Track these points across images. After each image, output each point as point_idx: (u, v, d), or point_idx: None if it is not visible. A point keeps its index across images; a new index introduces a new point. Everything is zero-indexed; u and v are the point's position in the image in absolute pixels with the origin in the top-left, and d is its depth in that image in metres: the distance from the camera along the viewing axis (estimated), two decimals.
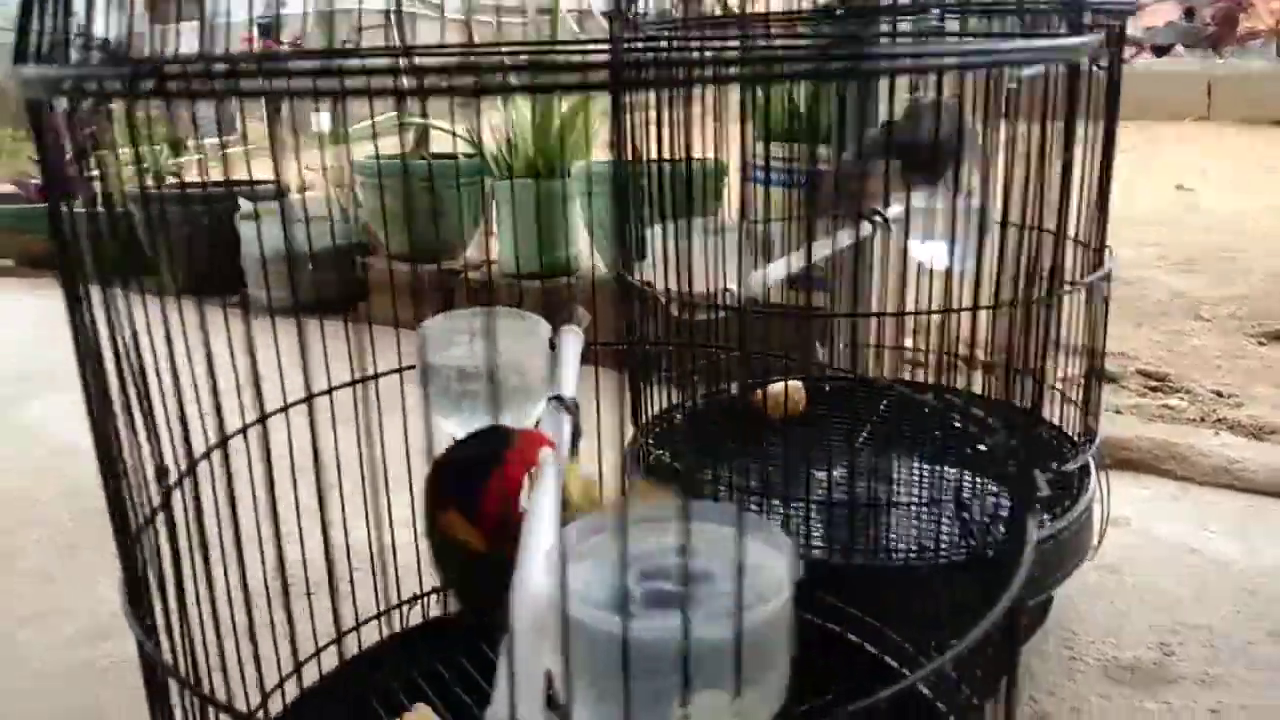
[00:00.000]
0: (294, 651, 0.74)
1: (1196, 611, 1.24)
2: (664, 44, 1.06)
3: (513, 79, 0.34)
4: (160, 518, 0.60)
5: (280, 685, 0.76)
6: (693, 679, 0.38)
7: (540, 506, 0.50)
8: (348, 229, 2.63)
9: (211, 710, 0.49)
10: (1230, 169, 4.38)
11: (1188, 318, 2.45)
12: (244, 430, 0.72)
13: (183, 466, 0.64)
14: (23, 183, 3.51)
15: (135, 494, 0.58)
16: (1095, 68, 1.12)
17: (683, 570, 0.39)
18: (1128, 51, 1.18)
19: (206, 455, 0.67)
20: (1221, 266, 2.85)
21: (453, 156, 2.59)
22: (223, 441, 0.69)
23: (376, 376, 0.81)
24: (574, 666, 0.40)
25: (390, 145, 2.46)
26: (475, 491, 0.53)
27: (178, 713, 0.54)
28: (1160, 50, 7.47)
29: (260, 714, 0.71)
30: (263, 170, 0.69)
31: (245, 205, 2.75)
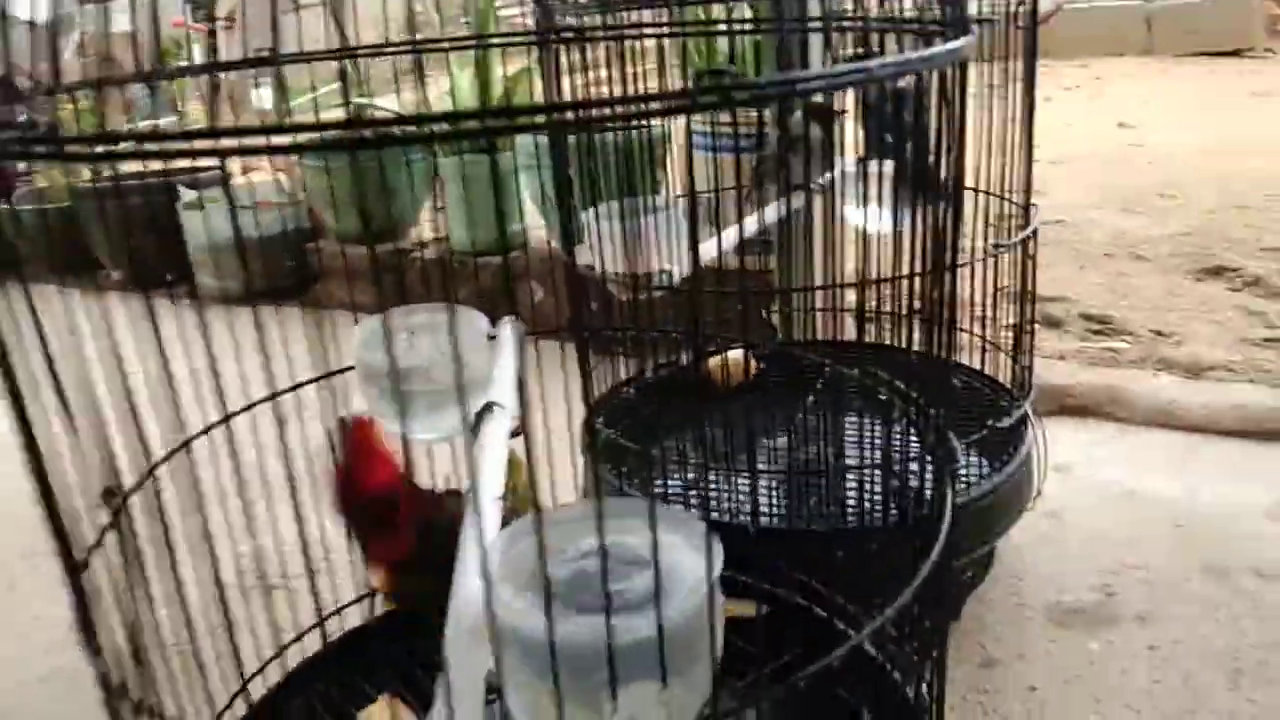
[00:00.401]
0: (242, 660, 0.76)
1: (1135, 551, 1.29)
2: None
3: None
4: (108, 538, 0.61)
5: (241, 690, 0.78)
6: (620, 674, 0.40)
7: (476, 516, 0.51)
8: (295, 213, 2.61)
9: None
10: (1171, 104, 4.44)
11: (1129, 258, 2.50)
12: (206, 431, 0.73)
13: (138, 472, 0.65)
14: None
15: (77, 519, 0.58)
16: (1015, 26, 1.14)
17: (603, 572, 0.41)
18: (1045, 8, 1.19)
19: (158, 466, 0.68)
20: (1162, 204, 2.91)
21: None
22: (183, 445, 0.70)
23: (329, 375, 0.82)
24: (508, 667, 0.42)
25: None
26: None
27: None
28: None
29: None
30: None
31: (187, 193, 2.72)
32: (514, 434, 0.68)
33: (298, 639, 0.83)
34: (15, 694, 1.19)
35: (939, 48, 0.42)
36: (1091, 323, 2.11)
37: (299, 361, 0.78)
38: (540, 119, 0.40)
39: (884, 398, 0.72)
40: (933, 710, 0.71)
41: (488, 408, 0.69)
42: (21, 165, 3.45)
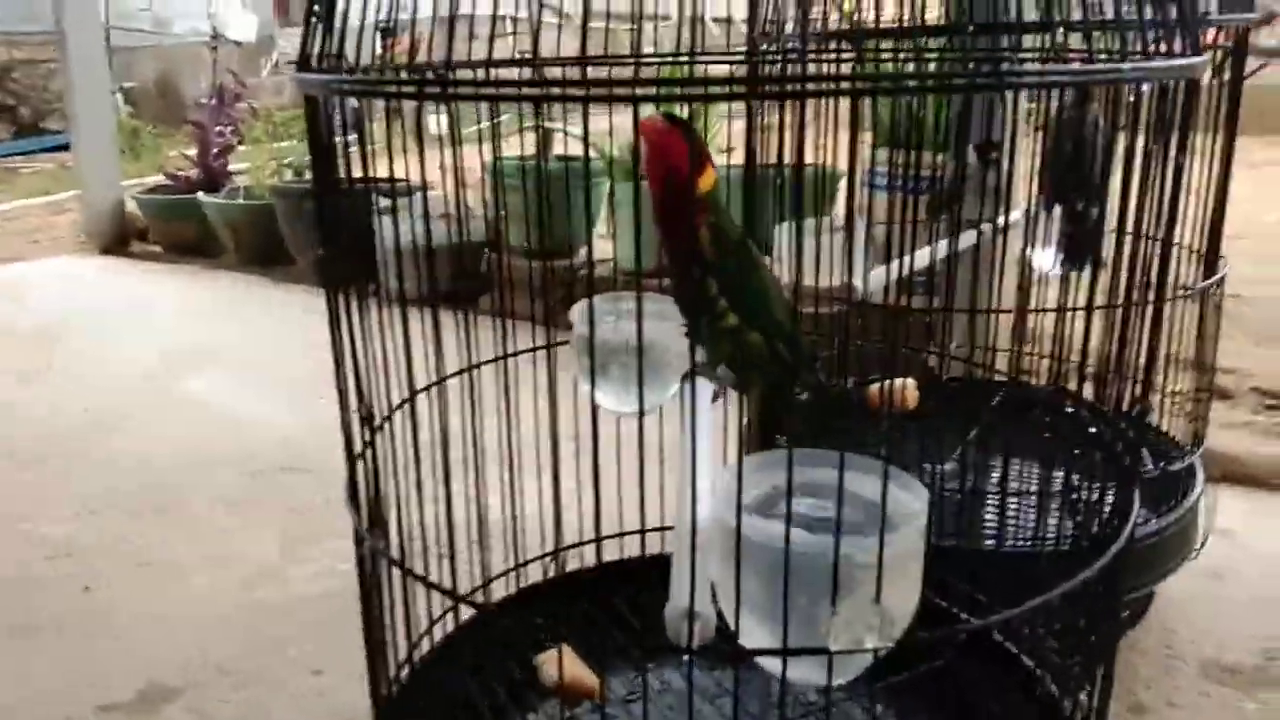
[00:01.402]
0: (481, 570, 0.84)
1: None
2: (797, 56, 1.13)
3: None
4: (370, 449, 0.71)
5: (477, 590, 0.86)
6: (842, 586, 0.46)
7: (700, 441, 0.58)
8: (476, 226, 2.77)
9: (421, 589, 0.59)
10: None
11: None
12: (427, 389, 0.83)
13: (384, 414, 0.75)
14: (173, 174, 3.77)
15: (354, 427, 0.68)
16: (1214, 80, 1.16)
17: (839, 497, 0.47)
18: (1257, 62, 1.20)
19: (402, 405, 0.77)
20: None
21: (576, 159, 2.71)
22: (412, 396, 0.80)
23: (517, 353, 0.92)
24: (743, 575, 0.49)
25: (509, 148, 2.59)
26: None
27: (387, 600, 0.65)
28: None
29: (478, 596, 0.81)
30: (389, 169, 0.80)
31: (383, 201, 2.93)
32: (714, 398, 0.75)
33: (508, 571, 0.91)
34: (217, 619, 1.32)
35: (1183, 60, 0.46)
36: (1265, 397, 2.04)
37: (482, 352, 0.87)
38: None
39: (1070, 409, 0.75)
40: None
41: (691, 373, 0.76)
42: (230, 166, 3.79)
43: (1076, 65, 0.50)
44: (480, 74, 0.78)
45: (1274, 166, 4.81)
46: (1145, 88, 0.51)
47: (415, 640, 0.82)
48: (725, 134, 1.47)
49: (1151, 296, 0.58)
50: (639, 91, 0.44)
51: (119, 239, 3.83)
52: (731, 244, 0.74)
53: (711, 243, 0.73)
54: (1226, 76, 1.13)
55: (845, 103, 1.18)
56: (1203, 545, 1.17)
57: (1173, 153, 0.54)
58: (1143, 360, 0.62)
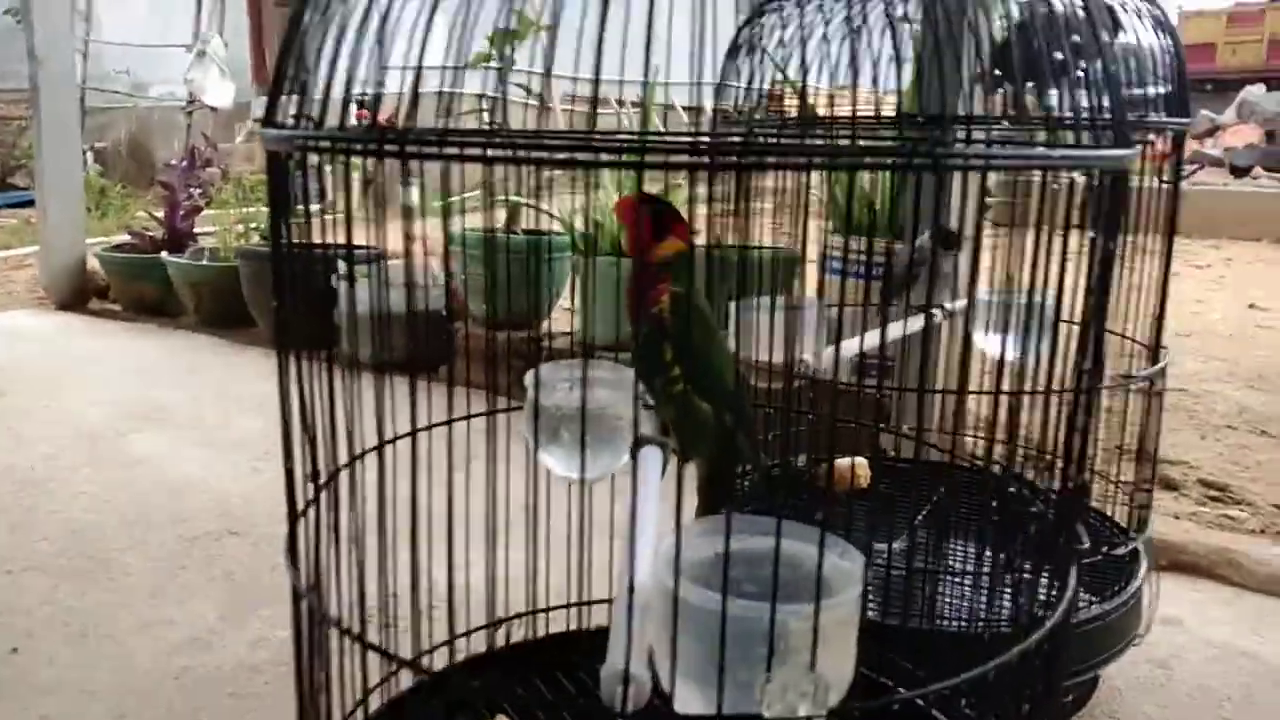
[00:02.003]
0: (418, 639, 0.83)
1: (1246, 711, 1.26)
2: (758, 138, 1.17)
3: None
4: (314, 505, 0.70)
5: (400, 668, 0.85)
6: (777, 651, 0.46)
7: (645, 515, 0.59)
8: (438, 295, 2.79)
9: (358, 654, 0.58)
10: None
11: (1252, 433, 2.46)
12: (377, 448, 0.82)
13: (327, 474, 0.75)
14: (139, 233, 3.76)
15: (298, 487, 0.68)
16: (1158, 180, 1.20)
17: (774, 566, 0.48)
18: (1190, 166, 1.26)
19: (349, 465, 0.77)
20: None
21: (542, 233, 2.74)
22: (359, 456, 0.79)
23: (469, 416, 0.92)
24: (679, 640, 0.49)
25: (478, 219, 2.62)
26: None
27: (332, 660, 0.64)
28: (1239, 170, 7.50)
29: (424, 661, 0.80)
30: (356, 236, 0.81)
31: (342, 266, 2.93)
32: (664, 466, 0.75)
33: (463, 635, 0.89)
34: (150, 687, 1.28)
35: (1112, 150, 0.49)
36: (1209, 489, 2.08)
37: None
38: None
39: (1013, 491, 0.76)
40: None
41: (640, 442, 0.77)
42: (197, 228, 3.78)
43: (1008, 151, 0.52)
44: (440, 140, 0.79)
45: (1218, 267, 4.99)
46: (1079, 178, 0.53)
47: (351, 708, 0.81)
48: (689, 217, 1.50)
49: (1084, 383, 0.60)
50: (600, 158, 0.46)
51: (79, 296, 3.79)
52: (690, 312, 0.76)
53: (671, 309, 0.75)
54: (1166, 178, 1.17)
55: (811, 194, 1.22)
56: (1146, 632, 1.18)
57: (1101, 243, 0.56)
58: (1078, 444, 0.63)
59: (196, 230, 3.77)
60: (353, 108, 0.67)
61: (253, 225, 3.58)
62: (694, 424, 0.75)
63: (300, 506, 0.67)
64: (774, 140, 1.11)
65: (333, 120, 0.62)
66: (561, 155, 0.41)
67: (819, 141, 1.12)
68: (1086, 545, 1.05)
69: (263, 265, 3.15)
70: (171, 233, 3.67)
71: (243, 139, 7.84)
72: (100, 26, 8.03)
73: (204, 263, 3.44)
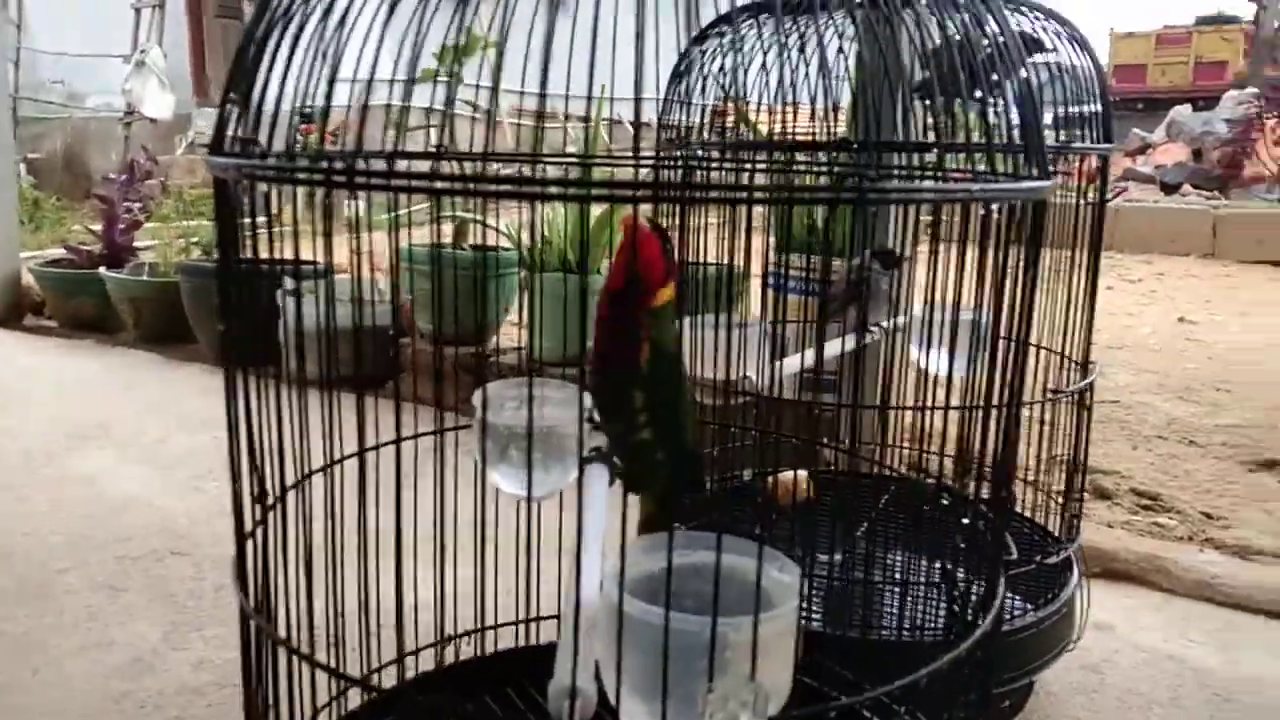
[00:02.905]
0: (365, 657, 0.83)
1: (1174, 713, 1.31)
2: (699, 162, 1.20)
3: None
4: (261, 527, 0.70)
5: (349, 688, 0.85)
6: (718, 664, 0.48)
7: (590, 532, 0.60)
8: (385, 311, 2.78)
9: (308, 673, 0.59)
10: (1233, 306, 4.53)
11: (1182, 443, 2.54)
12: (325, 468, 0.83)
13: (276, 493, 0.75)
14: (75, 248, 3.69)
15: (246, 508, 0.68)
16: (1083, 200, 1.25)
17: (715, 581, 0.49)
18: (1118, 186, 1.31)
19: (296, 485, 0.77)
20: (1217, 396, 2.96)
21: (488, 249, 2.74)
22: (307, 476, 0.79)
23: (417, 435, 0.93)
24: (624, 654, 0.50)
25: (424, 234, 2.62)
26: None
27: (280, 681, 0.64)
28: (1169, 188, 7.74)
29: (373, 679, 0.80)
30: (303, 251, 0.81)
31: (288, 282, 2.91)
32: (610, 482, 0.77)
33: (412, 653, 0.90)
34: (88, 712, 1.26)
35: (1030, 183, 0.52)
36: (1141, 498, 2.15)
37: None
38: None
39: (946, 502, 0.79)
40: None
41: (589, 459, 0.78)
42: (136, 242, 3.72)
43: (931, 186, 0.55)
44: (389, 164, 0.80)
45: (1150, 282, 5.14)
46: (995, 207, 0.56)
47: None
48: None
49: (1008, 397, 0.63)
50: (545, 190, 0.47)
51: (13, 312, 3.70)
52: (666, 361, 0.74)
53: (650, 357, 0.73)
54: (1092, 198, 1.22)
55: (757, 208, 1.25)
56: (1079, 638, 1.22)
57: (1024, 266, 0.59)
58: (1004, 456, 0.66)
59: (136, 245, 3.71)
60: (296, 122, 0.68)
61: (194, 240, 3.53)
62: (646, 467, 0.75)
63: (248, 527, 0.67)
64: (717, 162, 1.13)
65: (281, 137, 0.63)
66: (509, 187, 0.42)
67: (761, 163, 1.15)
68: (1015, 555, 1.09)
69: (204, 281, 3.11)
70: (110, 247, 3.61)
71: (183, 151, 7.71)
72: (34, 35, 7.85)
73: (144, 278, 3.38)
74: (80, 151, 7.70)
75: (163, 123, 7.46)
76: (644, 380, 0.72)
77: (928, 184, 0.50)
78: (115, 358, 3.25)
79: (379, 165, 0.70)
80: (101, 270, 3.44)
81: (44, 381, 2.96)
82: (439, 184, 0.48)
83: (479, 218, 2.52)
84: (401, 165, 0.77)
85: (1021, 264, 0.58)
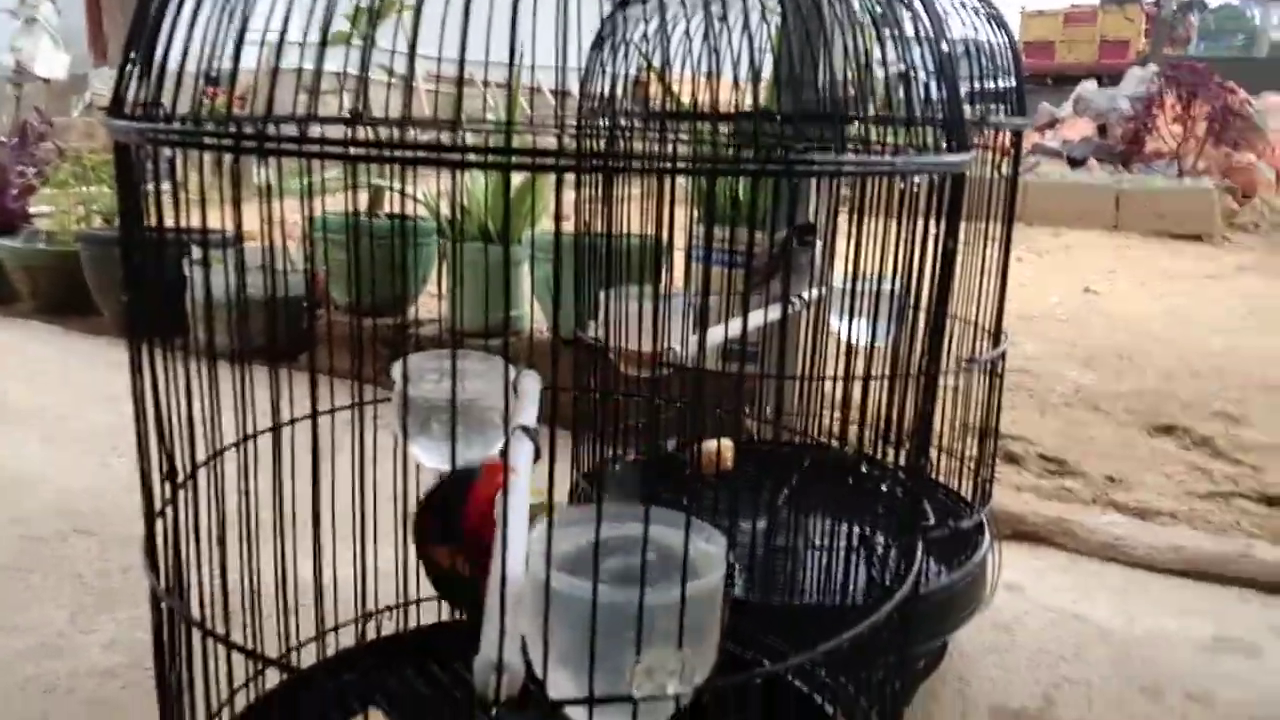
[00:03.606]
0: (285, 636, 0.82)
1: (1078, 668, 1.36)
2: (621, 131, 1.19)
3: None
4: (171, 505, 0.68)
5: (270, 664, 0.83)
6: (644, 635, 0.48)
7: (516, 506, 0.60)
8: (297, 280, 2.70)
9: (224, 655, 0.57)
10: (1134, 276, 4.70)
11: (1087, 409, 2.64)
12: (235, 445, 0.80)
13: (187, 471, 0.73)
14: None
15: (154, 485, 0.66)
16: (997, 174, 1.28)
17: (643, 551, 0.49)
18: (1031, 160, 1.34)
19: (208, 462, 0.75)
20: (1120, 364, 3.08)
21: (405, 217, 2.69)
22: (219, 452, 0.77)
23: (334, 410, 0.91)
24: (551, 628, 0.50)
25: (338, 202, 2.56)
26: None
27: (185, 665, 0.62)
28: (1075, 162, 7.97)
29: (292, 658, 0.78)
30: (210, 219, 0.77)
31: (195, 251, 2.81)
32: (536, 457, 0.76)
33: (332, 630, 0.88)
34: None
35: (950, 156, 0.52)
36: (1048, 463, 2.22)
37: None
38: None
39: (865, 471, 0.81)
40: None
41: (513, 431, 0.77)
42: (31, 208, 3.55)
43: (853, 157, 0.55)
44: (301, 129, 0.78)
45: (1057, 254, 5.30)
46: (918, 179, 0.57)
47: (216, 709, 0.79)
48: (557, 203, 1.51)
49: (924, 366, 0.64)
50: (465, 158, 0.46)
51: None
52: None
53: None
54: (1005, 172, 1.25)
55: (678, 179, 1.25)
56: (990, 598, 1.26)
57: (943, 237, 0.60)
58: (921, 425, 0.68)
59: (33, 211, 3.54)
60: (201, 84, 0.65)
61: (94, 207, 3.38)
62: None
63: (158, 506, 0.64)
64: (640, 131, 1.12)
65: (186, 101, 0.60)
66: (428, 154, 0.41)
67: (684, 133, 1.14)
68: (932, 521, 1.12)
69: (106, 250, 2.99)
70: (2, 214, 3.43)
71: (80, 113, 7.36)
72: None
73: (40, 246, 3.23)
74: None
75: (56, 83, 7.11)
76: None
77: (853, 157, 0.50)
78: (12, 330, 3.11)
79: (290, 131, 0.68)
80: None
81: None
82: (354, 150, 0.46)
83: (395, 185, 2.47)
84: (315, 131, 0.74)
85: (940, 236, 0.59)
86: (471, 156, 0.42)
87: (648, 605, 0.48)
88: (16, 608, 1.41)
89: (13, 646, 1.31)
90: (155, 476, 0.67)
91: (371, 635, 0.93)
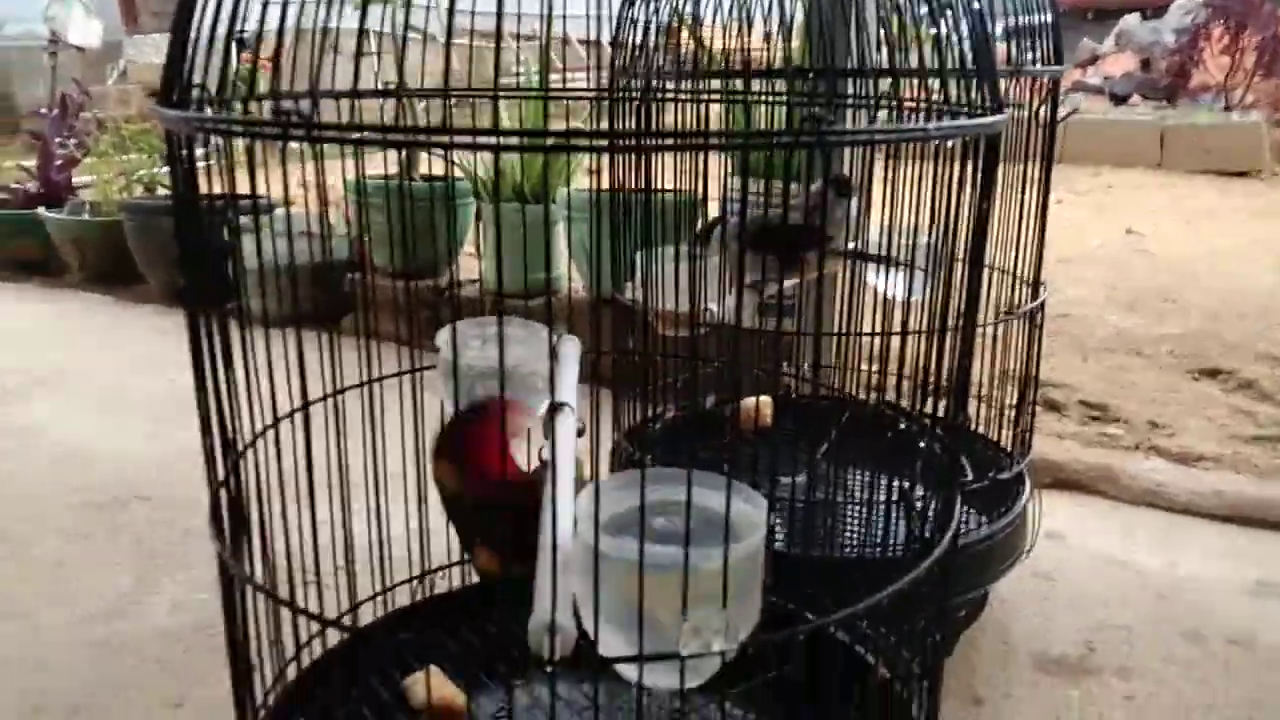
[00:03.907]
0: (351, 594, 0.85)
1: (1119, 614, 1.37)
2: (654, 94, 1.19)
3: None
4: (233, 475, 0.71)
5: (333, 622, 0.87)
6: (691, 594, 0.50)
7: (562, 470, 0.62)
8: (338, 245, 2.74)
9: (288, 615, 0.60)
10: (1178, 216, 4.60)
11: (1129, 354, 2.61)
12: (291, 414, 0.83)
13: (246, 441, 0.75)
14: (11, 188, 3.57)
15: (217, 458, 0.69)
16: (1034, 121, 1.26)
17: (686, 515, 0.51)
18: (1072, 101, 1.32)
19: (264, 432, 0.78)
20: (1163, 307, 3.03)
21: (442, 179, 2.70)
22: (276, 422, 0.80)
23: (382, 378, 0.93)
24: (601, 589, 0.52)
25: (376, 166, 2.57)
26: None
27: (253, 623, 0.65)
28: (1118, 99, 7.78)
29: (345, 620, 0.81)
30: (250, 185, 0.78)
31: (241, 218, 2.85)
32: (579, 433, 0.78)
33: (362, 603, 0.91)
34: (65, 658, 1.27)
35: (984, 119, 0.53)
36: (1090, 409, 2.21)
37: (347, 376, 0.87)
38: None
39: (903, 427, 0.82)
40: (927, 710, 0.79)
41: (558, 406, 0.79)
42: (75, 180, 3.61)
43: (887, 127, 0.56)
44: (345, 104, 0.79)
45: (1099, 194, 5.20)
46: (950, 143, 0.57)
47: (282, 667, 0.82)
48: (589, 160, 1.51)
49: (961, 321, 0.64)
50: (501, 141, 0.47)
51: None
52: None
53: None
54: (1043, 119, 1.23)
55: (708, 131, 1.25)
56: (1031, 548, 1.27)
57: (977, 199, 0.60)
58: (958, 378, 0.68)
59: (75, 183, 3.60)
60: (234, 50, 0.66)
61: (135, 177, 3.43)
62: None
63: (220, 476, 0.67)
64: (671, 94, 1.13)
65: (218, 70, 0.61)
66: (468, 139, 0.42)
67: (716, 94, 1.14)
68: (970, 477, 1.12)
69: (149, 219, 3.04)
70: (47, 186, 3.50)
71: (114, 81, 7.43)
72: None
73: (85, 218, 3.30)
74: (4, 84, 7.39)
75: (91, 51, 7.17)
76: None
77: (885, 126, 0.51)
78: (63, 301, 3.18)
79: (335, 106, 0.69)
80: (40, 210, 3.34)
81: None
82: (398, 136, 0.47)
83: (432, 150, 2.48)
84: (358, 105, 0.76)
85: (976, 195, 0.60)
86: (510, 140, 0.44)
87: (693, 567, 0.50)
88: (83, 573, 1.47)
89: (82, 611, 1.37)
90: (217, 448, 0.70)
91: (428, 593, 0.96)
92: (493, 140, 0.43)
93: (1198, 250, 3.82)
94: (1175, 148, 6.17)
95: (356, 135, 0.44)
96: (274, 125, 0.46)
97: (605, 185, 1.19)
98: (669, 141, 0.46)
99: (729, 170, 1.90)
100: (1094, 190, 5.34)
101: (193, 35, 0.59)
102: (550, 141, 0.43)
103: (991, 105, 0.58)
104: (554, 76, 2.83)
